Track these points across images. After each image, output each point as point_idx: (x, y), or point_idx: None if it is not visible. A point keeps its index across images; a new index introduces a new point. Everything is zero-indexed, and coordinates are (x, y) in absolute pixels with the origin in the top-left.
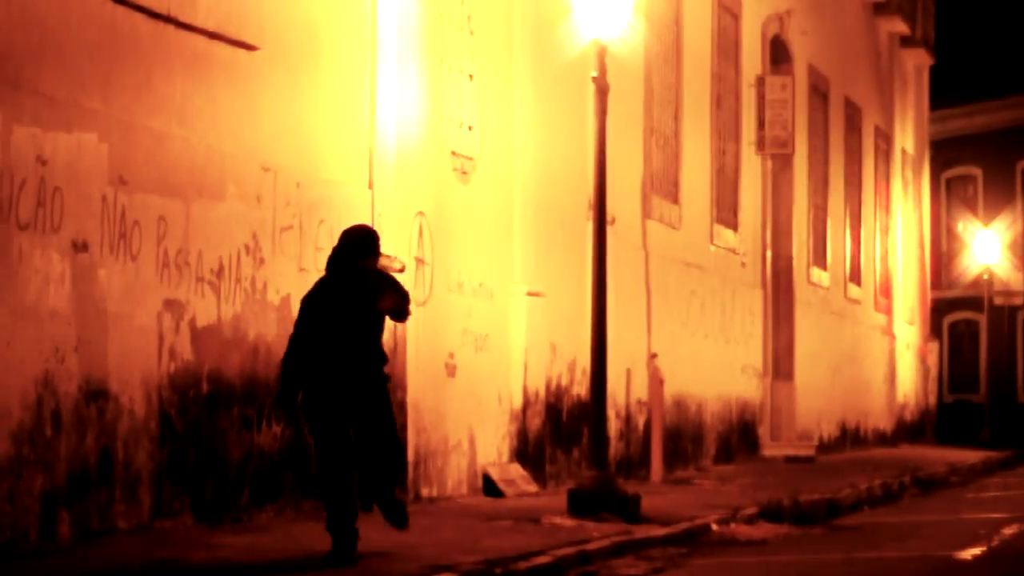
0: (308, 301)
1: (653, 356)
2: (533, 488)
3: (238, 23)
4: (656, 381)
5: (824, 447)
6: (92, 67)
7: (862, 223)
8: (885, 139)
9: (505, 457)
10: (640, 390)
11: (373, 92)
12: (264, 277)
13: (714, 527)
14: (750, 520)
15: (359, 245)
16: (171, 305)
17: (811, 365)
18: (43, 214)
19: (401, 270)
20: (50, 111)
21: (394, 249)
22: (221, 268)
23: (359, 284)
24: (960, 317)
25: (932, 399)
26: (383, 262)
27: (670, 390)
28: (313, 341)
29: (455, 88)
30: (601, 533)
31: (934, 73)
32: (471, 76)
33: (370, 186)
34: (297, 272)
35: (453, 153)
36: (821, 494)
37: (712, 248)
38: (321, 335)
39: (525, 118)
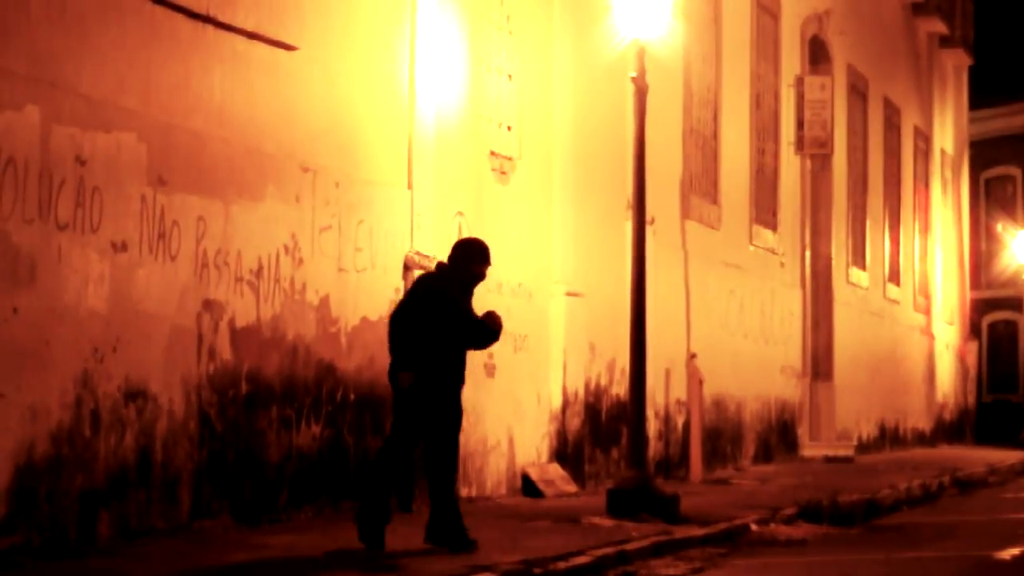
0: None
1: (692, 356)
2: (572, 488)
3: (277, 23)
4: (695, 381)
5: (863, 447)
6: (131, 67)
7: (901, 223)
8: (924, 139)
9: (544, 457)
10: (679, 390)
11: (412, 92)
12: (303, 277)
13: (753, 527)
14: (789, 520)
15: (485, 254)
16: (210, 305)
17: (850, 365)
18: (82, 214)
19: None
20: (89, 111)
21: (433, 250)
22: (260, 268)
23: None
24: (999, 317)
25: (971, 399)
26: (420, 261)
27: (709, 390)
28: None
29: (494, 88)
30: (640, 533)
31: (973, 73)
32: (510, 76)
33: (409, 186)
34: (336, 272)
35: (492, 153)
36: (860, 494)
37: (751, 248)
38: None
39: (564, 118)
